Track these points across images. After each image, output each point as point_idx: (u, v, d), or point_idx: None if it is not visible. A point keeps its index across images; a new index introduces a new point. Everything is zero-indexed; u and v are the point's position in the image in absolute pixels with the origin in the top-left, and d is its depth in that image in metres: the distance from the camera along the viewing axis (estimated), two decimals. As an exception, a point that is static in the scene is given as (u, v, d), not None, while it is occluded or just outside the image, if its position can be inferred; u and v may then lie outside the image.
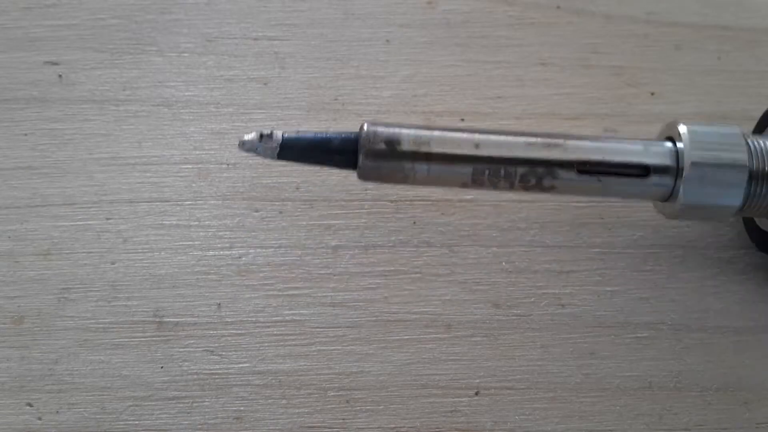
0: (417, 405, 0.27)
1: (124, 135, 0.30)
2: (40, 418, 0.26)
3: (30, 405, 0.26)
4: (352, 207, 0.29)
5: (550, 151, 0.24)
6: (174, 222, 0.29)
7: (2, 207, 0.29)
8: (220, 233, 0.29)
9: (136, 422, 0.26)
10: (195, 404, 0.27)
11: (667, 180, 0.25)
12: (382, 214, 0.29)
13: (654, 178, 0.25)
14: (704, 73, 0.32)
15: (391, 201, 0.29)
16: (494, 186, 0.25)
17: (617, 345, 0.28)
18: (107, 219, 0.29)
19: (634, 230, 0.29)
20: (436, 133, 0.24)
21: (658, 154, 0.25)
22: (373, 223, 0.29)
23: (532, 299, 0.28)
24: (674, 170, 0.25)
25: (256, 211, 0.29)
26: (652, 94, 0.32)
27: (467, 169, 0.24)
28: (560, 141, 0.25)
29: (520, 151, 0.24)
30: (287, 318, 0.28)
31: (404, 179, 0.25)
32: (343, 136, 0.25)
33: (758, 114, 0.29)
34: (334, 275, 0.28)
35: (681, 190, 0.25)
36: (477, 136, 0.25)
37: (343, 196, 0.29)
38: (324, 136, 0.25)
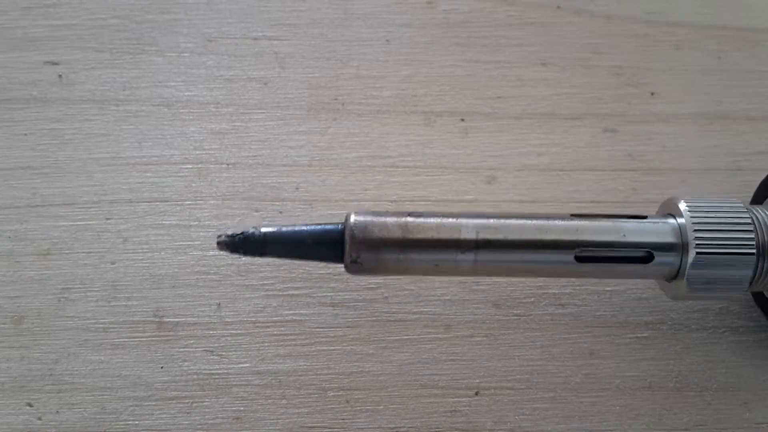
0: (417, 405, 0.27)
1: (124, 135, 0.30)
2: (40, 418, 0.26)
3: (30, 405, 0.26)
4: (352, 207, 0.29)
5: (546, 234, 0.23)
6: (174, 222, 0.29)
7: (2, 207, 0.29)
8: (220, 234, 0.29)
9: (136, 422, 0.26)
10: (195, 404, 0.27)
11: (672, 259, 0.24)
12: (382, 214, 0.29)
13: (657, 260, 0.24)
14: (704, 73, 0.32)
15: (391, 201, 0.29)
16: (490, 274, 0.24)
17: (617, 345, 0.28)
18: (107, 219, 0.29)
19: (634, 230, 0.29)
20: (425, 220, 0.23)
21: (660, 233, 0.24)
22: (373, 223, 0.29)
23: (532, 299, 0.28)
24: (679, 248, 0.24)
25: (256, 211, 0.29)
26: (652, 94, 0.32)
27: (466, 257, 0.23)
28: (558, 223, 0.24)
29: (516, 234, 0.23)
30: (287, 318, 0.28)
31: (395, 270, 0.24)
32: (327, 229, 0.23)
33: (758, 114, 0.29)
34: (334, 275, 0.28)
35: (687, 268, 0.24)
36: (470, 222, 0.23)
37: (343, 196, 0.29)
38: (306, 231, 0.23)
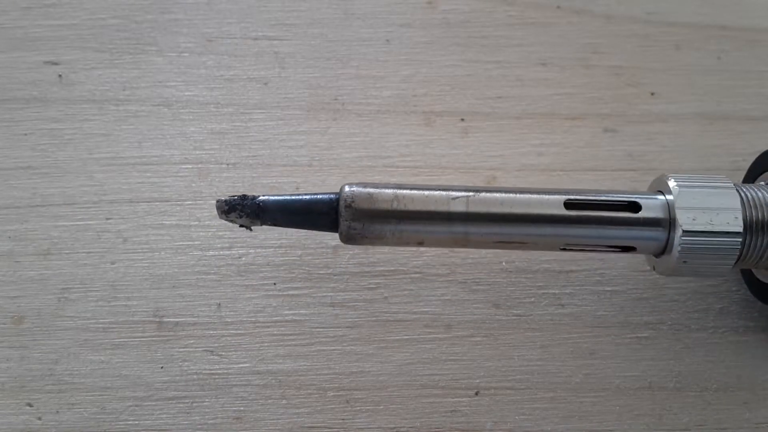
0: (417, 405, 0.27)
1: (124, 135, 0.30)
2: (40, 418, 0.26)
3: (30, 405, 0.26)
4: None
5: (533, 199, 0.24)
6: (174, 222, 0.29)
7: (2, 207, 0.29)
8: (220, 233, 0.29)
9: (136, 422, 0.26)
10: (195, 404, 0.27)
11: (659, 233, 0.24)
12: (382, 214, 0.29)
13: (646, 231, 0.24)
14: (704, 73, 0.32)
15: (391, 201, 0.29)
16: (481, 246, 0.25)
17: (617, 345, 0.28)
18: (107, 219, 0.29)
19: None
20: (418, 192, 0.24)
21: (649, 206, 0.24)
22: (373, 223, 0.29)
23: (532, 299, 0.28)
24: (667, 222, 0.24)
25: (256, 211, 0.29)
26: (652, 94, 0.32)
27: (459, 228, 0.24)
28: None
29: (509, 208, 0.24)
30: (287, 318, 0.28)
31: (390, 240, 0.24)
32: (322, 197, 0.24)
33: (758, 114, 0.29)
34: (334, 275, 0.28)
35: (674, 244, 0.24)
36: (461, 194, 0.24)
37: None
38: (302, 199, 0.24)
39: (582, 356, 0.28)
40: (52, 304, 0.28)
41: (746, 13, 0.33)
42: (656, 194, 0.25)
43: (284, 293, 0.28)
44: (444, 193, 0.24)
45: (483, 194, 0.24)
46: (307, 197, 0.24)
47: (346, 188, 0.24)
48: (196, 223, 0.29)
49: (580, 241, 0.25)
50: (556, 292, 0.28)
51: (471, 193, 0.24)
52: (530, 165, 0.30)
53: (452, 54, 0.32)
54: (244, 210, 0.24)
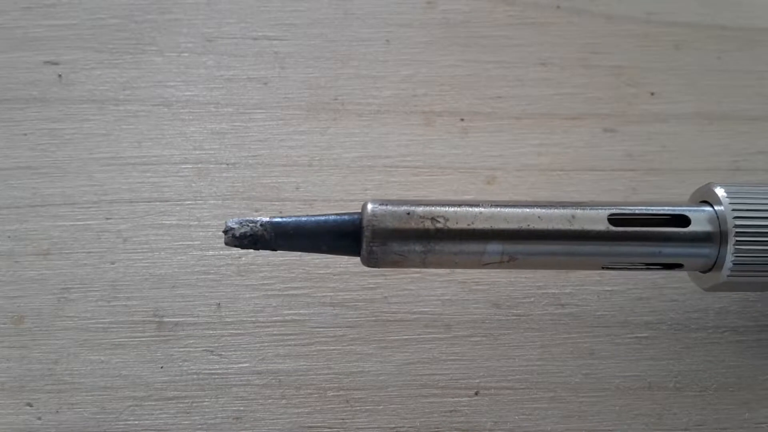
0: (417, 405, 0.27)
1: (123, 135, 0.30)
2: (40, 418, 0.26)
3: (30, 405, 0.26)
4: (352, 207, 0.29)
5: (573, 215, 0.22)
6: (174, 222, 0.29)
7: (2, 207, 0.29)
8: (220, 233, 0.29)
9: (136, 422, 0.26)
10: (195, 404, 0.27)
11: (710, 249, 0.22)
12: (382, 214, 0.29)
13: (695, 248, 0.22)
14: (704, 73, 0.32)
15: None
16: (517, 266, 0.23)
17: (617, 345, 0.28)
18: (107, 219, 0.29)
19: (634, 230, 0.29)
20: (451, 209, 0.22)
21: (698, 220, 0.22)
22: (373, 223, 0.29)
23: (532, 299, 0.28)
24: (717, 236, 0.22)
25: (256, 211, 0.29)
26: (652, 94, 0.32)
27: (494, 248, 0.22)
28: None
29: (545, 224, 0.22)
30: (287, 318, 0.28)
31: (416, 262, 0.22)
32: (342, 219, 0.22)
33: (758, 114, 0.29)
34: (334, 275, 0.28)
35: (726, 259, 0.22)
36: (497, 210, 0.22)
37: (343, 196, 0.29)
38: (319, 220, 0.22)
39: (582, 356, 0.28)
40: (52, 304, 0.28)
41: (746, 13, 0.33)
42: (701, 206, 0.23)
43: (284, 293, 0.28)
44: (478, 209, 0.22)
45: (522, 209, 0.22)
46: (325, 219, 0.22)
47: (369, 207, 0.22)
48: (196, 223, 0.29)
49: (623, 260, 0.23)
50: (556, 291, 0.28)
51: (508, 208, 0.22)
52: (530, 165, 0.30)
53: (452, 54, 0.32)
54: (256, 245, 0.22)
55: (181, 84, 0.31)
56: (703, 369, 0.28)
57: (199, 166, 0.30)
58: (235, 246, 0.22)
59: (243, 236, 0.22)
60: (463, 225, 0.22)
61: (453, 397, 0.27)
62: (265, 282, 0.28)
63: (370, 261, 0.22)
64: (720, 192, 0.23)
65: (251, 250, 0.28)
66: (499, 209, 0.22)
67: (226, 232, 0.22)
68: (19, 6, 0.32)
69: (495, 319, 0.28)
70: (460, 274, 0.28)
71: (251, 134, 0.30)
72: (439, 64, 0.32)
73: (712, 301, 0.28)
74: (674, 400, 0.27)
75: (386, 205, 0.22)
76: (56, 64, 0.31)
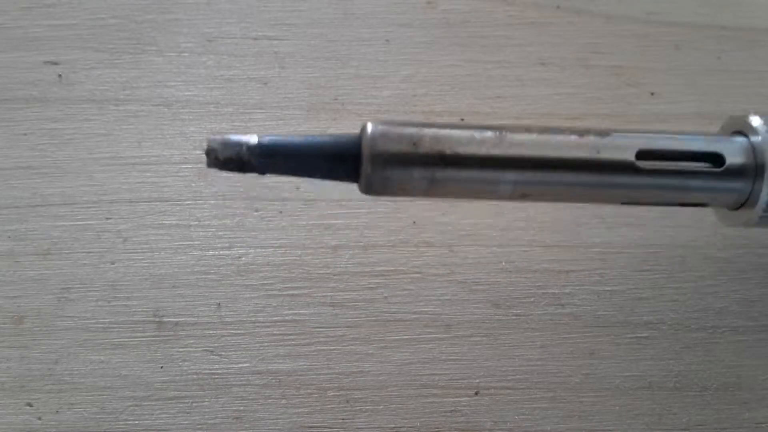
0: (417, 405, 0.27)
1: (124, 135, 0.30)
2: (40, 418, 0.26)
3: (30, 405, 0.26)
4: (352, 207, 0.29)
5: (597, 145, 0.20)
6: (174, 222, 0.29)
7: (2, 207, 0.29)
8: (220, 233, 0.29)
9: (136, 422, 0.26)
10: (195, 404, 0.27)
11: (743, 184, 0.21)
12: (382, 213, 0.29)
13: (728, 183, 0.21)
14: (704, 73, 0.32)
15: (391, 201, 0.29)
16: (534, 198, 0.20)
17: (617, 345, 0.28)
18: (107, 219, 0.29)
19: (634, 230, 0.29)
20: (461, 132, 0.20)
21: (729, 150, 0.21)
22: (373, 222, 0.29)
23: (532, 299, 0.28)
24: (752, 169, 0.21)
25: (256, 210, 0.29)
26: (652, 94, 0.32)
27: (509, 177, 0.20)
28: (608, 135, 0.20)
29: (571, 151, 0.20)
30: (287, 318, 0.28)
31: (420, 190, 0.20)
32: (340, 139, 0.20)
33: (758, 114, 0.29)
34: (334, 275, 0.28)
35: (763, 193, 0.21)
36: (514, 136, 0.20)
37: (343, 196, 0.29)
38: (314, 140, 0.20)
39: (582, 356, 0.28)
40: (52, 304, 0.28)
41: (746, 13, 0.33)
42: (735, 136, 0.21)
43: (284, 293, 0.28)
44: (492, 133, 0.20)
45: (541, 136, 0.20)
46: (321, 140, 0.20)
47: (370, 127, 0.19)
48: (196, 223, 0.29)
49: (648, 196, 0.21)
50: (556, 291, 0.28)
51: (525, 134, 0.20)
52: (530, 165, 0.30)
53: (452, 54, 0.32)
54: (243, 167, 0.20)
55: (181, 84, 0.31)
56: (703, 369, 0.28)
57: (199, 166, 0.30)
58: (219, 169, 0.20)
59: (228, 160, 0.19)
60: (474, 150, 0.20)
61: (453, 397, 0.27)
62: (265, 282, 0.28)
63: (370, 188, 0.20)
64: (756, 122, 0.21)
65: (251, 250, 0.28)
66: (515, 134, 0.20)
67: (208, 153, 0.20)
68: (19, 6, 0.32)
69: (495, 319, 0.28)
70: (460, 274, 0.28)
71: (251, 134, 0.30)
72: (439, 64, 0.32)
73: (712, 301, 0.28)
74: (674, 400, 0.27)
75: (389, 125, 0.20)
76: (56, 64, 0.31)
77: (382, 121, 0.20)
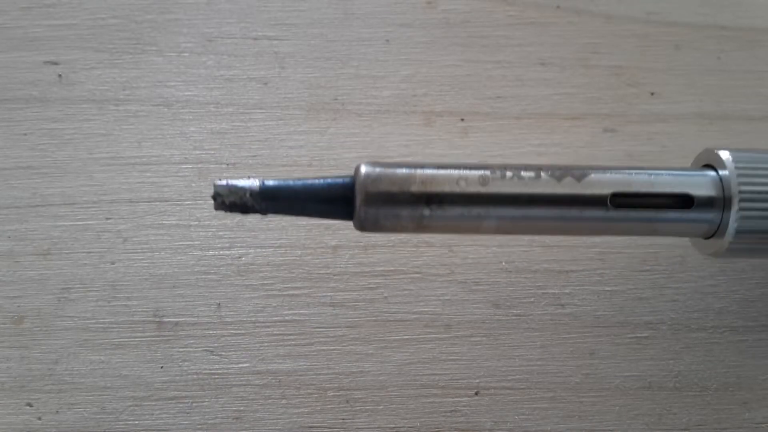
0: (417, 405, 0.27)
1: (124, 135, 0.30)
2: (40, 418, 0.26)
3: (30, 405, 0.26)
4: (352, 207, 0.29)
5: (574, 187, 0.22)
6: (174, 222, 0.29)
7: (2, 207, 0.29)
8: (220, 233, 0.29)
9: (136, 422, 0.26)
10: (195, 404, 0.27)
11: (711, 215, 0.22)
12: (382, 214, 0.29)
13: (696, 212, 0.22)
14: (704, 73, 0.32)
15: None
16: (512, 232, 0.22)
17: (617, 345, 0.28)
18: (107, 219, 0.29)
19: (633, 230, 0.29)
20: (449, 172, 0.21)
21: (699, 184, 0.22)
22: (373, 223, 0.29)
23: (532, 299, 0.28)
24: (720, 202, 0.22)
25: (256, 211, 0.29)
26: (652, 94, 0.32)
27: (492, 212, 0.21)
28: (584, 172, 0.22)
29: (547, 188, 0.22)
30: (287, 318, 0.28)
31: (410, 228, 0.21)
32: (335, 182, 0.21)
33: (758, 114, 0.29)
34: (334, 275, 0.28)
35: (730, 224, 0.22)
36: (498, 172, 0.21)
37: (343, 196, 0.29)
38: (311, 183, 0.21)
39: (582, 356, 0.28)
40: (52, 304, 0.28)
41: (746, 13, 0.33)
42: (705, 170, 0.22)
43: (284, 293, 0.28)
44: (478, 172, 0.21)
45: (522, 173, 0.22)
46: (317, 182, 0.21)
47: (363, 169, 0.21)
48: (196, 223, 0.29)
49: (622, 230, 0.22)
50: (556, 292, 0.28)
51: (509, 173, 0.21)
52: (530, 165, 0.30)
53: (452, 54, 0.32)
54: (246, 210, 0.21)
55: (181, 84, 0.31)
56: (703, 369, 0.28)
57: (199, 166, 0.30)
58: (225, 212, 0.22)
59: (233, 205, 0.21)
60: (461, 190, 0.21)
61: (453, 397, 0.27)
62: (265, 282, 0.28)
63: (364, 226, 0.21)
64: (725, 155, 0.22)
65: (251, 250, 0.28)
66: (498, 172, 0.22)
67: (215, 198, 0.21)
68: (19, 6, 0.32)
69: (495, 319, 0.28)
70: (460, 274, 0.28)
71: (251, 134, 0.30)
72: (439, 64, 0.32)
73: (712, 301, 0.28)
74: (674, 400, 0.27)
75: (381, 167, 0.21)
76: (56, 64, 0.31)
77: (374, 163, 0.21)
